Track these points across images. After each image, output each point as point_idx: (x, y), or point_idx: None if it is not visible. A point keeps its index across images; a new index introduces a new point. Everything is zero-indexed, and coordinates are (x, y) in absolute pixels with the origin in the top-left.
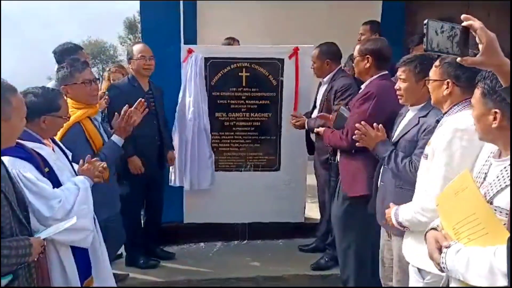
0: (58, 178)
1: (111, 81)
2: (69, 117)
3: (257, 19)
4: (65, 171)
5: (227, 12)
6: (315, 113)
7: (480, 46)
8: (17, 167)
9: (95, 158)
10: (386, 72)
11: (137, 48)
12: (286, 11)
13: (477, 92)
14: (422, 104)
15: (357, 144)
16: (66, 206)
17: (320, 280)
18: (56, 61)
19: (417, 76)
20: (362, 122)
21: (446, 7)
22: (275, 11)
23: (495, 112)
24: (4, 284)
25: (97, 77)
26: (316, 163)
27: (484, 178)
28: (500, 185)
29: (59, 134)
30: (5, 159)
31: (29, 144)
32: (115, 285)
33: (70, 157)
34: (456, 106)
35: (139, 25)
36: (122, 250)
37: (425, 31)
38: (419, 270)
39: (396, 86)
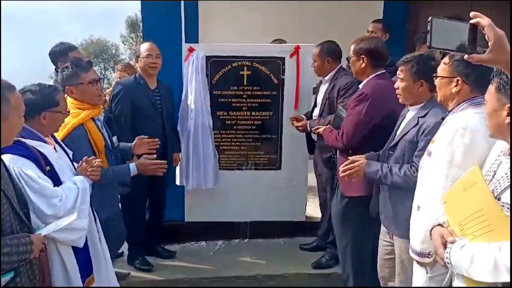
0: (59, 177)
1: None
2: (68, 112)
3: (258, 18)
4: (66, 170)
5: (228, 11)
6: (315, 112)
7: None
8: (18, 164)
9: (95, 159)
10: (384, 70)
11: (144, 46)
12: (287, 10)
13: (491, 87)
14: (421, 104)
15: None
16: (67, 205)
17: (321, 279)
18: (52, 63)
19: (414, 76)
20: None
21: (449, 6)
22: (276, 10)
23: (509, 108)
24: (6, 282)
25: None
26: (317, 162)
27: (493, 176)
28: (508, 182)
29: (62, 133)
30: (7, 156)
31: (31, 142)
32: (117, 285)
33: (71, 156)
34: (461, 104)
35: (140, 24)
36: (123, 248)
37: (428, 28)
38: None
39: (395, 85)
